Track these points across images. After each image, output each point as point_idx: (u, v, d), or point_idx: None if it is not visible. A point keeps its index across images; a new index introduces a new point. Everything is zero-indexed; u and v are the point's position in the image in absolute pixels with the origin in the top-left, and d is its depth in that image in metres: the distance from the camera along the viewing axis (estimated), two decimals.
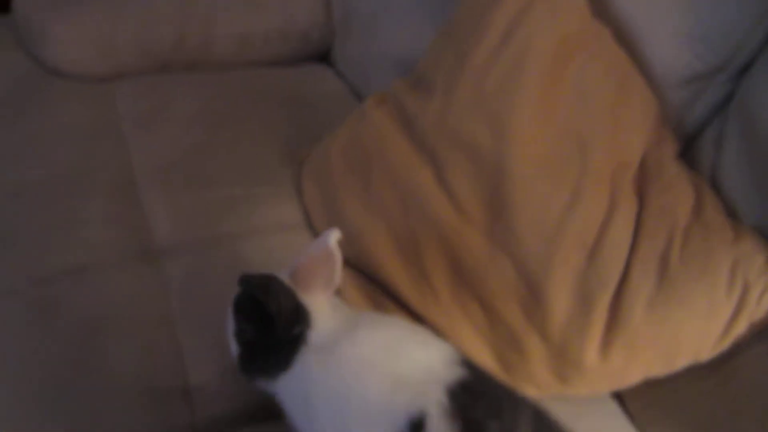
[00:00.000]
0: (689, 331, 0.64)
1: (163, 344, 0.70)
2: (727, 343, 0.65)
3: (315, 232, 0.83)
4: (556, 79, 0.71)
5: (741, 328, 0.64)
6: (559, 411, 0.52)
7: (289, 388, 0.57)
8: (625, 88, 0.72)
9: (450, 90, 0.74)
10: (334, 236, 0.58)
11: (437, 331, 0.72)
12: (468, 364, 0.55)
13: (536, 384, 0.68)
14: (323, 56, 1.18)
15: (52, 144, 0.85)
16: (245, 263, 0.77)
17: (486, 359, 0.69)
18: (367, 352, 0.54)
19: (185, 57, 1.07)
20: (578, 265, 0.65)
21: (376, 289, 0.77)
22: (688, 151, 0.75)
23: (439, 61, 0.79)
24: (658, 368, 0.68)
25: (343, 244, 0.59)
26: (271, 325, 0.56)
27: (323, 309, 0.59)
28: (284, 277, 0.60)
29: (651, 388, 0.73)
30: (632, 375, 0.69)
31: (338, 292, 0.79)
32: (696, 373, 0.69)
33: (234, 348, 0.61)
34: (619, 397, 0.77)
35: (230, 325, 0.61)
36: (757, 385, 0.65)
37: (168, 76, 1.04)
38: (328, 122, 0.87)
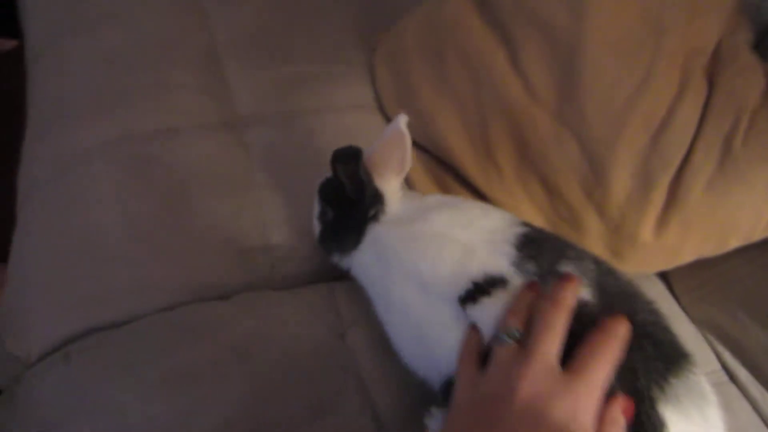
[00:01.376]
0: (746, 211, 0.67)
1: (246, 206, 0.74)
2: None
3: (385, 114, 0.86)
4: None
5: None
6: None
7: (362, 261, 0.63)
8: None
9: None
10: (403, 120, 0.61)
11: (500, 207, 0.76)
12: (528, 224, 0.59)
13: None
14: None
15: (136, 16, 0.88)
16: (319, 138, 0.81)
17: None
18: (437, 227, 0.58)
19: None
20: (642, 146, 0.67)
21: (443, 170, 0.80)
22: (762, 44, 0.75)
23: None
24: (711, 248, 0.71)
25: (413, 126, 0.61)
26: (351, 207, 0.62)
27: (395, 194, 0.63)
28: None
29: (698, 270, 0.77)
30: (684, 254, 0.72)
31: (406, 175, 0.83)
32: (745, 255, 0.72)
33: (316, 227, 0.68)
34: (666, 278, 0.82)
35: (315, 208, 0.68)
36: None
37: None
38: (406, 15, 0.87)
